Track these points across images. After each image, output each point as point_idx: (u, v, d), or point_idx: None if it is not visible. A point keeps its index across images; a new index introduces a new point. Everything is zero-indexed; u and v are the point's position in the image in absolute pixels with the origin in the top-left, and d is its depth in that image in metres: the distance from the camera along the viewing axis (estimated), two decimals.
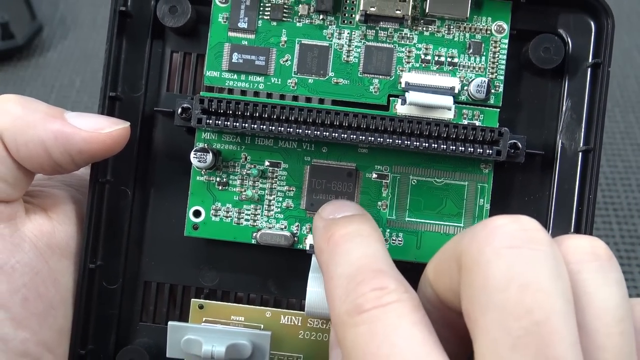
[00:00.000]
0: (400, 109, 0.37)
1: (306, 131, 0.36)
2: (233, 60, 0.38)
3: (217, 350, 0.34)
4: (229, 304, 0.38)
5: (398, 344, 0.27)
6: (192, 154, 0.37)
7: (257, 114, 0.36)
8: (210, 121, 0.36)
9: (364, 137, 0.36)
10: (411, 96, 0.36)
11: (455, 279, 0.28)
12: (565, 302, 0.26)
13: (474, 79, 0.37)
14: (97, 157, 0.36)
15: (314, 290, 0.35)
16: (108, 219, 0.38)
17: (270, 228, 0.38)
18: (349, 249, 0.31)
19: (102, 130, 0.35)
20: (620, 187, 0.63)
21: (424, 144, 0.36)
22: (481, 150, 0.36)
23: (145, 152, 0.39)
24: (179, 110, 0.37)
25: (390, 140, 0.36)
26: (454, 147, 0.36)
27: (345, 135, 0.36)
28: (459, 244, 0.29)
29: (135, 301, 0.39)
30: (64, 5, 0.73)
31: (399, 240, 0.38)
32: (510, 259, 0.26)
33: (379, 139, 0.36)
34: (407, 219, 0.38)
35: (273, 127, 0.36)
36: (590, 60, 0.38)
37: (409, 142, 0.36)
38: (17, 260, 0.35)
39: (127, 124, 0.36)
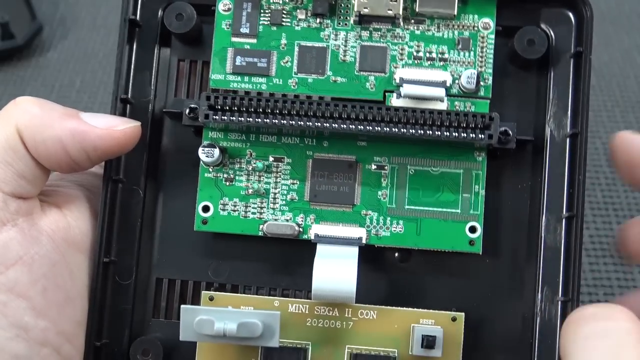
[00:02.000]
0: (396, 103, 0.39)
1: (307, 123, 0.38)
2: (236, 63, 0.40)
3: (229, 328, 0.35)
4: (238, 294, 0.40)
5: None
6: (200, 150, 0.39)
7: (261, 109, 0.38)
8: (217, 117, 0.38)
9: (362, 127, 0.38)
10: (406, 89, 0.39)
11: None
12: None
13: (464, 71, 0.39)
14: (111, 154, 0.38)
15: (320, 273, 0.37)
16: (121, 217, 0.40)
17: (276, 220, 0.40)
18: None
19: (116, 127, 0.37)
20: (620, 187, 0.65)
21: (419, 131, 0.37)
22: (474, 135, 0.37)
23: (155, 153, 0.41)
24: (187, 110, 0.39)
25: (388, 129, 0.38)
26: (447, 134, 0.37)
27: (345, 126, 0.38)
28: None
29: (148, 297, 0.40)
30: (64, 5, 0.74)
31: (400, 228, 0.39)
32: None
33: (376, 128, 0.38)
34: (406, 207, 0.40)
35: (276, 120, 0.38)
36: (572, 50, 0.40)
37: (405, 130, 0.38)
38: (36, 251, 0.36)
39: (138, 123, 0.38)
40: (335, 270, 0.37)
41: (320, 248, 0.39)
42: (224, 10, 0.41)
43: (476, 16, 0.40)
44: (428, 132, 0.38)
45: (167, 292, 0.41)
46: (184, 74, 0.42)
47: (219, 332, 0.35)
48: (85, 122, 0.37)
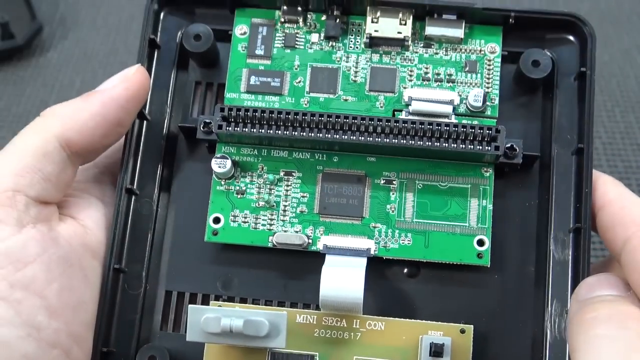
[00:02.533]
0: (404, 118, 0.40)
1: (318, 135, 0.39)
2: (251, 83, 0.42)
3: (236, 324, 0.35)
4: (246, 305, 0.40)
5: None
6: (213, 161, 0.40)
7: (273, 122, 0.39)
8: (230, 127, 0.39)
9: (371, 139, 0.39)
10: (414, 105, 0.40)
11: None
12: None
13: (471, 90, 0.41)
14: (141, 97, 0.40)
15: (328, 280, 0.37)
16: (133, 228, 0.41)
17: (285, 232, 0.40)
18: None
19: (129, 72, 0.40)
20: None
21: (427, 143, 0.38)
22: (480, 147, 0.38)
23: (169, 167, 0.42)
24: (201, 125, 0.40)
25: (396, 141, 0.39)
26: (455, 145, 0.38)
27: (355, 137, 0.39)
28: None
29: (156, 308, 0.41)
30: (64, 5, 0.74)
31: (408, 240, 0.40)
32: None
33: (385, 140, 0.39)
34: (415, 220, 0.40)
35: (287, 132, 0.39)
36: (577, 70, 0.41)
37: (413, 142, 0.39)
38: (54, 252, 0.37)
39: (138, 64, 0.41)
40: (342, 278, 0.37)
41: (329, 259, 0.39)
42: (241, 34, 0.43)
43: (483, 41, 0.42)
44: (436, 144, 0.39)
45: (175, 304, 0.41)
46: (200, 95, 0.43)
47: (225, 328, 0.35)
48: (104, 90, 0.40)
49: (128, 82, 0.40)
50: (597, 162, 0.65)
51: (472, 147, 0.38)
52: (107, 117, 0.39)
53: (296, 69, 0.42)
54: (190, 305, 0.36)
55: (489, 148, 0.38)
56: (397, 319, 0.39)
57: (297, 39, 0.42)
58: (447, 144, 0.38)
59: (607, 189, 0.39)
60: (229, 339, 0.36)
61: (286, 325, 0.36)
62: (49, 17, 0.73)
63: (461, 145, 0.38)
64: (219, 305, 0.39)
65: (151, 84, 0.42)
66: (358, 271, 0.38)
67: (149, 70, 0.42)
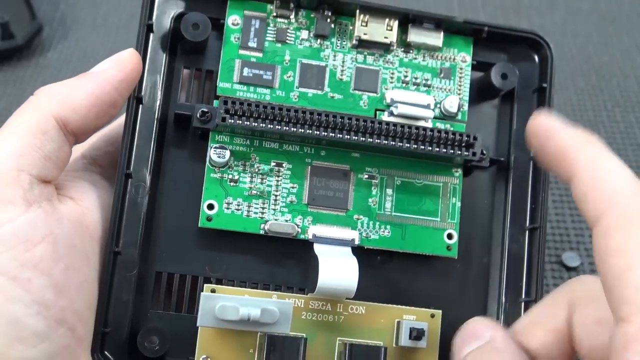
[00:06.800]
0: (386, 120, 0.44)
1: (308, 131, 0.41)
2: (244, 74, 0.43)
3: (254, 314, 0.38)
4: (239, 288, 0.42)
5: None
6: (212, 150, 0.42)
7: (267, 116, 0.41)
8: (232, 121, 0.41)
9: (356, 138, 0.42)
10: (400, 108, 0.43)
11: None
12: None
13: (447, 97, 0.45)
14: (133, 80, 0.41)
15: (327, 270, 0.40)
16: (128, 211, 0.42)
17: (276, 220, 0.43)
18: None
19: (123, 55, 0.41)
20: None
21: (406, 145, 0.42)
22: (460, 152, 0.43)
23: (159, 153, 0.43)
24: (198, 113, 0.42)
25: (379, 141, 0.42)
26: (431, 148, 0.42)
27: (341, 136, 0.42)
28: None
29: (147, 289, 0.42)
30: (64, 5, 0.73)
31: (387, 232, 0.44)
32: None
33: (369, 140, 0.42)
34: (393, 213, 0.44)
35: (280, 127, 0.41)
36: (537, 84, 0.46)
37: (394, 143, 0.42)
38: (60, 231, 0.38)
39: (130, 48, 0.42)
40: (340, 268, 0.41)
41: (317, 247, 0.42)
42: (233, 25, 0.44)
43: (456, 50, 0.46)
44: (414, 146, 0.42)
45: (165, 285, 0.42)
46: (188, 80, 0.44)
47: (243, 317, 0.38)
48: (98, 71, 0.40)
49: (121, 65, 0.41)
50: None
51: (452, 151, 0.43)
52: (101, 97, 0.40)
53: (287, 63, 0.44)
54: (203, 293, 0.38)
55: (467, 153, 0.43)
56: (376, 303, 0.43)
57: (287, 34, 0.44)
58: (424, 147, 0.42)
59: (579, 152, 0.32)
60: (241, 326, 0.39)
61: (292, 313, 0.39)
62: (49, 17, 0.71)
63: (437, 149, 0.42)
64: (212, 290, 0.41)
65: (146, 68, 0.43)
66: (353, 261, 0.41)
67: (144, 55, 0.43)
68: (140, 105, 0.43)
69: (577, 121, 0.62)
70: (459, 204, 0.45)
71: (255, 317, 0.38)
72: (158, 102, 0.43)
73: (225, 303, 0.38)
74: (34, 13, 0.70)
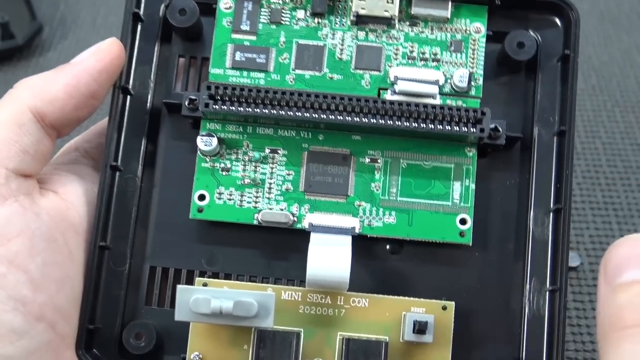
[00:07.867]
0: (390, 99, 0.40)
1: (305, 114, 0.39)
2: (236, 59, 0.41)
3: (225, 306, 0.35)
4: (232, 281, 0.40)
5: None
6: (198, 138, 0.40)
7: (259, 100, 0.39)
8: (217, 106, 0.39)
9: (358, 119, 0.39)
10: (400, 85, 0.40)
11: None
12: None
13: (456, 71, 0.41)
14: (114, 69, 0.40)
15: (315, 260, 0.38)
16: (117, 204, 0.41)
17: (270, 209, 0.40)
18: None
19: (103, 45, 0.40)
20: (620, 187, 0.65)
21: (412, 124, 0.39)
22: (466, 129, 0.39)
23: (153, 144, 0.42)
24: (187, 101, 0.40)
25: (382, 122, 0.39)
26: (440, 127, 0.39)
27: (341, 118, 0.39)
28: None
29: (141, 284, 0.41)
30: (64, 5, 0.74)
31: (392, 219, 0.40)
32: None
33: (372, 120, 0.39)
34: (399, 198, 0.41)
35: (274, 111, 0.39)
36: (561, 52, 0.42)
37: (399, 123, 0.39)
38: (37, 227, 0.37)
39: (112, 37, 0.41)
40: (329, 257, 0.38)
41: (314, 236, 0.39)
42: (225, 8, 0.42)
43: (468, 20, 0.42)
44: (422, 125, 0.39)
45: (160, 280, 0.41)
46: (183, 69, 0.43)
47: (215, 310, 0.35)
48: (76, 62, 0.40)
49: (100, 54, 0.40)
50: (597, 162, 0.66)
51: (457, 129, 0.39)
52: (78, 88, 0.39)
53: (282, 45, 0.42)
54: (179, 286, 0.36)
55: (474, 130, 0.39)
56: (380, 295, 0.40)
57: (282, 14, 0.42)
58: (432, 126, 0.39)
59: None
60: (218, 319, 0.36)
61: (274, 306, 0.36)
62: (49, 17, 0.73)
63: (447, 127, 0.39)
64: (204, 284, 0.39)
65: (135, 58, 0.42)
66: (345, 249, 0.38)
67: (132, 44, 0.42)
68: (129, 96, 0.41)
69: (577, 121, 0.65)
70: (473, 186, 0.41)
71: (227, 310, 0.35)
72: (150, 92, 0.42)
73: (198, 295, 0.36)
74: (34, 13, 0.71)
